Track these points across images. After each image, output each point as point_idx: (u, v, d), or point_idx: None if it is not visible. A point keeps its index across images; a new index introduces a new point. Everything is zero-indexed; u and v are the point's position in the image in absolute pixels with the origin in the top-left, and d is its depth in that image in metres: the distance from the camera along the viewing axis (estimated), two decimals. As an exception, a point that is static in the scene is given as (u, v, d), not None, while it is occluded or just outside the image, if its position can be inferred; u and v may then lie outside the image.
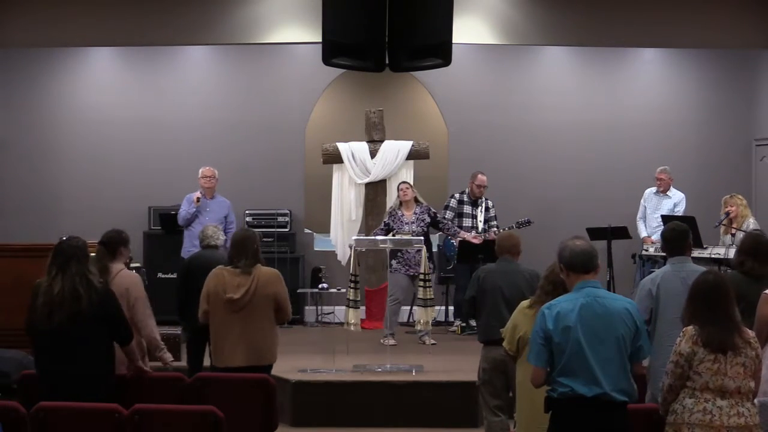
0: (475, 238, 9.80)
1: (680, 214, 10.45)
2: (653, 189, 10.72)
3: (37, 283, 5.34)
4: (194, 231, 9.80)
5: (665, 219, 9.46)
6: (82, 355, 5.20)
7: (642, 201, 10.78)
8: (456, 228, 9.91)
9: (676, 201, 10.61)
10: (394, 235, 9.31)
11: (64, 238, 5.46)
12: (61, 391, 5.11)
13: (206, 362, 7.02)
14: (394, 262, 9.40)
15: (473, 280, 6.60)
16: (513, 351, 5.42)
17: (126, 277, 6.01)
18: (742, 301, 4.93)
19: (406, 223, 9.45)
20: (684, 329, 4.57)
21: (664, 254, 8.98)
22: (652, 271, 9.79)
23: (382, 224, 9.66)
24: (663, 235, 5.87)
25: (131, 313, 5.90)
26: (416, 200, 9.62)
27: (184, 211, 10.02)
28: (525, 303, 5.49)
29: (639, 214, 10.77)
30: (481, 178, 10.33)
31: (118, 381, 5.61)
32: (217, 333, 6.13)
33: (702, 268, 5.70)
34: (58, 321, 5.18)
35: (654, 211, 10.62)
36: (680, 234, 5.74)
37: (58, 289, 5.20)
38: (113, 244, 6.07)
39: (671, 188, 10.67)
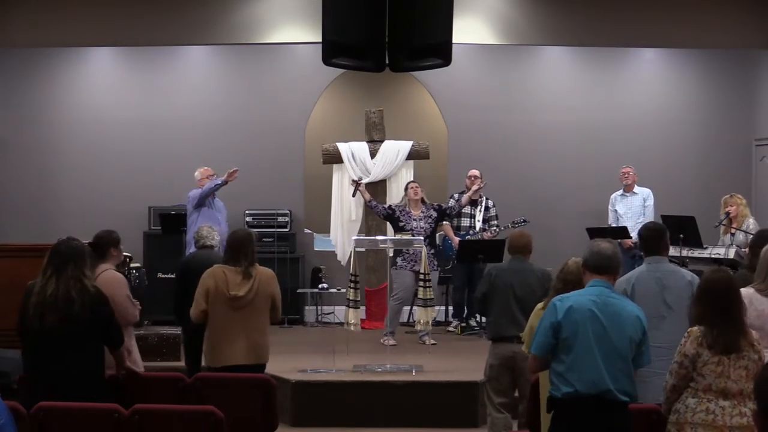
0: (474, 184, 10.06)
1: (651, 208, 10.51)
2: (619, 192, 10.75)
3: (31, 284, 5.29)
4: None
5: (665, 218, 9.48)
6: (72, 356, 5.17)
7: (610, 207, 10.78)
8: (459, 202, 10.00)
9: (644, 196, 10.67)
10: (403, 229, 9.36)
11: (63, 239, 5.41)
12: (50, 391, 5.08)
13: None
14: (399, 259, 9.41)
15: (485, 277, 6.60)
16: None
17: (106, 282, 5.75)
18: None
19: (414, 219, 9.48)
20: (689, 330, 4.56)
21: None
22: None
23: (387, 205, 9.78)
24: (640, 234, 5.82)
25: None
26: (423, 201, 9.67)
27: (209, 187, 9.77)
28: (540, 305, 5.48)
29: (610, 220, 10.75)
30: (472, 172, 10.36)
31: (115, 382, 5.61)
32: (217, 332, 6.08)
33: (677, 267, 5.72)
34: (50, 323, 5.14)
35: (626, 211, 10.63)
36: (657, 233, 5.70)
37: (51, 291, 5.16)
38: (102, 245, 6.02)
39: (635, 186, 10.69)
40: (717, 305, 4.50)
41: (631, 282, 5.52)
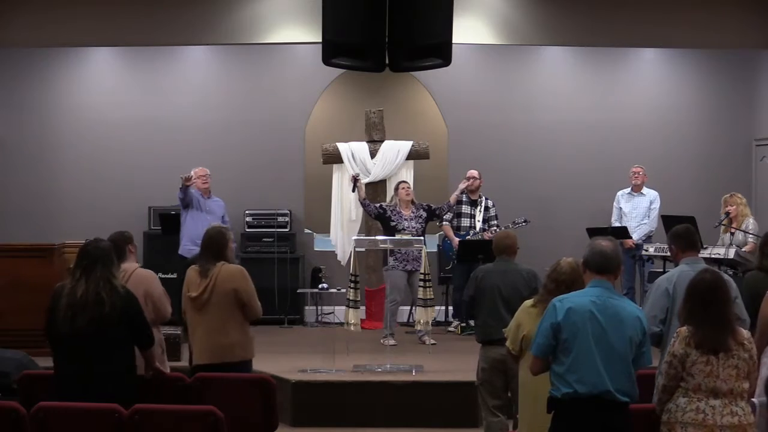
0: (463, 182, 10.01)
1: (656, 211, 10.47)
2: (626, 190, 10.70)
3: (59, 286, 5.31)
4: (192, 230, 9.74)
5: (665, 218, 9.47)
6: (104, 358, 5.17)
7: (615, 203, 10.73)
8: (448, 202, 9.92)
9: (651, 198, 10.61)
10: (395, 229, 9.35)
11: (90, 240, 5.42)
12: (82, 393, 5.08)
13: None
14: (390, 259, 9.42)
15: (471, 280, 6.58)
16: (516, 350, 5.36)
17: (142, 279, 5.94)
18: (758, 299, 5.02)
19: (406, 219, 9.49)
20: (678, 330, 4.59)
21: (665, 254, 9.02)
22: (654, 272, 9.87)
23: (378, 204, 9.75)
24: (678, 232, 5.78)
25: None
26: (412, 201, 9.68)
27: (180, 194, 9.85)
28: (528, 302, 5.46)
29: (614, 217, 10.71)
30: (470, 172, 10.34)
31: (140, 383, 5.60)
32: (190, 333, 6.22)
33: (714, 268, 5.72)
34: (80, 324, 5.14)
35: (632, 210, 10.60)
36: (692, 232, 5.71)
37: (81, 293, 5.17)
38: (119, 245, 6.03)
39: (644, 187, 10.67)
40: (703, 305, 4.53)
41: (672, 281, 5.52)
